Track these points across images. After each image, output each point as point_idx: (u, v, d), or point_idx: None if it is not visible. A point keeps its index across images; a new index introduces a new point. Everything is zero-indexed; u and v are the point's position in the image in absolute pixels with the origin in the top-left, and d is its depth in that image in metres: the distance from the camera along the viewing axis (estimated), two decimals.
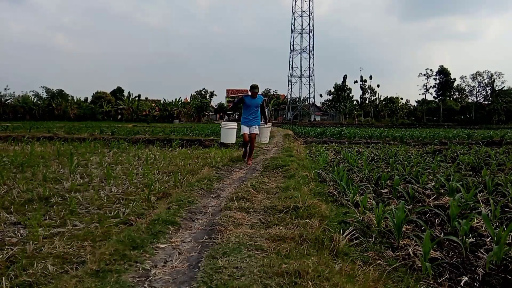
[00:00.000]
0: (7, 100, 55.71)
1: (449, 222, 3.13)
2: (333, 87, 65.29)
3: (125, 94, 62.10)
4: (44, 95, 59.54)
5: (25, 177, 5.17)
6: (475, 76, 60.96)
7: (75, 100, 58.11)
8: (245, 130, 7.35)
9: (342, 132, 18.29)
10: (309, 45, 65.59)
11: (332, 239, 2.66)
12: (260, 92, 7.59)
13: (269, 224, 3.20)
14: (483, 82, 60.67)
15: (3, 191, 4.26)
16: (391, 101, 64.20)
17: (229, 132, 10.21)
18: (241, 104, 7.52)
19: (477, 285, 2.13)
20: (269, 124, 10.70)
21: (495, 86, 59.38)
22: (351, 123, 54.96)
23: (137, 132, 17.14)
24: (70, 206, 3.61)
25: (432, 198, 4.20)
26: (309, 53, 65.62)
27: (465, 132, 19.90)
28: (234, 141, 10.21)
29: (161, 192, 4.43)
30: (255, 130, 7.45)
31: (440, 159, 7.79)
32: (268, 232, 2.93)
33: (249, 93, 7.35)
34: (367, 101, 64.01)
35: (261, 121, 7.80)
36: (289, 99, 66.71)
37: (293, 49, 66.41)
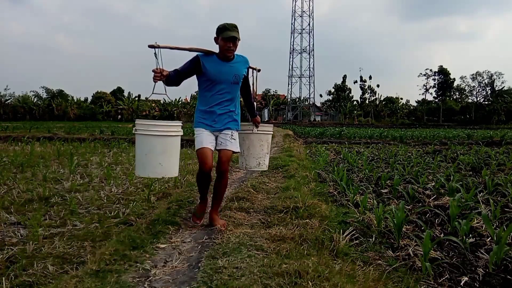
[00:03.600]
0: (7, 100, 55.74)
1: (449, 222, 3.13)
2: (333, 87, 65.32)
3: (125, 94, 62.13)
4: (44, 95, 59.61)
5: (25, 177, 5.17)
6: (475, 76, 61.00)
7: (75, 100, 58.17)
8: (205, 141, 3.11)
9: (342, 132, 18.30)
10: (309, 45, 65.62)
11: (332, 239, 2.66)
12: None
13: (269, 224, 3.20)
14: (483, 82, 60.71)
15: (3, 191, 4.25)
16: (391, 101, 64.23)
17: (157, 147, 2.94)
18: (196, 75, 3.17)
19: (477, 285, 2.13)
20: (269, 126, 3.70)
21: (495, 86, 59.41)
22: (351, 123, 54.94)
23: None
24: (70, 206, 3.61)
25: (432, 198, 4.20)
26: (309, 53, 65.64)
27: (465, 132, 19.90)
28: (175, 172, 3.09)
29: (161, 192, 4.43)
30: (231, 143, 3.18)
31: (440, 159, 7.79)
32: (268, 232, 2.93)
33: (215, 51, 3.11)
34: (367, 101, 64.01)
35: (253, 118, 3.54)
36: (289, 99, 66.69)
37: (293, 49, 66.43)
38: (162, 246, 2.76)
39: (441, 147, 11.77)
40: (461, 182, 4.71)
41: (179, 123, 3.04)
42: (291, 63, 67.48)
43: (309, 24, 65.84)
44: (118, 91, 62.77)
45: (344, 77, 64.90)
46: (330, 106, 66.73)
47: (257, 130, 3.61)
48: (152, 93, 2.99)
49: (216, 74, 3.10)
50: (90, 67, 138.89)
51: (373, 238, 2.82)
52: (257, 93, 3.88)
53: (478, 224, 3.21)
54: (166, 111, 57.90)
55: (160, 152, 2.94)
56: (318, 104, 69.97)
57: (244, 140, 3.64)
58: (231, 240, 2.76)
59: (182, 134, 3.01)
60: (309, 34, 65.78)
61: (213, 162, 3.14)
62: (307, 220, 3.16)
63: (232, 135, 3.21)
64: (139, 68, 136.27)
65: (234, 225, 3.17)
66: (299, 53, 66.37)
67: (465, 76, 63.42)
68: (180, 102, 59.06)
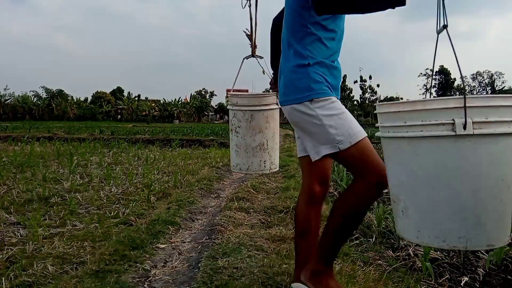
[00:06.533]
0: (6, 100, 55.74)
1: None
2: None
3: (125, 94, 62.16)
4: (44, 95, 59.62)
5: (25, 177, 5.16)
6: (475, 76, 61.13)
7: (75, 100, 58.13)
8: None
9: None
10: None
11: None
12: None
13: (269, 224, 3.20)
14: (484, 82, 60.82)
15: (3, 191, 4.25)
16: (392, 101, 64.25)
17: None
18: None
19: (478, 285, 2.13)
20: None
21: (495, 86, 59.48)
22: None
23: (137, 132, 17.14)
24: (70, 206, 3.60)
25: None
26: None
27: None
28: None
29: (161, 192, 4.43)
30: None
31: None
32: (268, 232, 2.93)
33: None
34: (367, 101, 64.05)
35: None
36: None
37: None
38: (162, 246, 2.75)
39: None
40: None
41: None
42: None
43: None
44: (118, 91, 62.79)
45: (344, 77, 64.82)
46: None
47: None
48: None
49: None
50: (90, 67, 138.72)
51: (373, 238, 2.82)
52: None
53: None
54: (166, 111, 57.84)
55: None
56: None
57: (259, 122, 2.10)
58: (231, 240, 2.76)
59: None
60: None
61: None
62: None
63: None
64: (139, 68, 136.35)
65: (234, 225, 3.17)
66: None
67: (465, 76, 63.54)
68: (180, 102, 59.03)
